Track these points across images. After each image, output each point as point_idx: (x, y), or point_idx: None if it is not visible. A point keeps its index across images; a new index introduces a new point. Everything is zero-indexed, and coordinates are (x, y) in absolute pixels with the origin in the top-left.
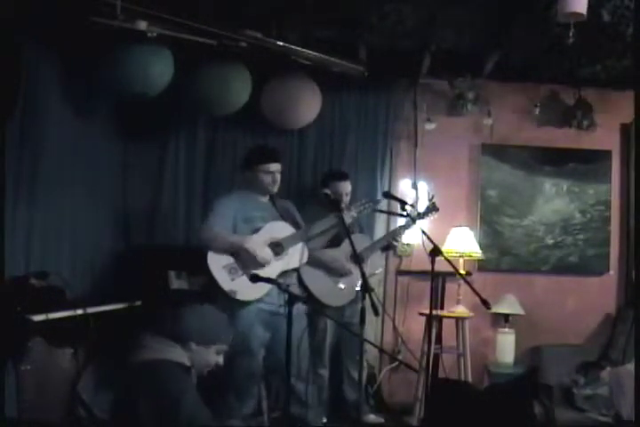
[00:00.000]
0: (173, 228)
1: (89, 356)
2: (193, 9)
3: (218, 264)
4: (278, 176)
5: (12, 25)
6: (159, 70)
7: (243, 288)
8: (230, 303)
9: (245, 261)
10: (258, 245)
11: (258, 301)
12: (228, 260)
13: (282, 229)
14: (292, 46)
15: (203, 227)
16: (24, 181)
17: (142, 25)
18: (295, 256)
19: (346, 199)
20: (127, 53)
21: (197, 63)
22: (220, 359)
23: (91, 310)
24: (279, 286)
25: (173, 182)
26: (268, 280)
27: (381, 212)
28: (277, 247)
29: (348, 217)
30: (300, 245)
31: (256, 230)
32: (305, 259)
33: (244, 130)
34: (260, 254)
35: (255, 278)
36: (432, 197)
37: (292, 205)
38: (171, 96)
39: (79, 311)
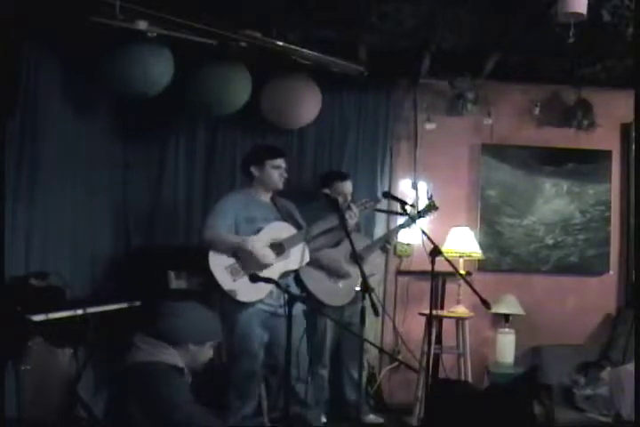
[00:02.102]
0: (173, 228)
1: (89, 356)
2: (193, 9)
3: (219, 265)
4: (285, 172)
5: (12, 25)
6: (159, 70)
7: (244, 289)
8: (231, 304)
9: (247, 262)
10: (259, 245)
11: (258, 301)
12: (229, 260)
13: (283, 230)
14: (292, 46)
15: (204, 227)
16: (24, 181)
17: (142, 25)
18: (296, 257)
19: (348, 199)
20: (127, 53)
21: (197, 63)
22: (212, 353)
23: (91, 310)
24: (279, 286)
25: (173, 182)
26: (267, 280)
27: (381, 211)
28: (279, 248)
29: (352, 216)
30: (301, 246)
31: (257, 231)
32: (306, 260)
33: (243, 130)
34: (262, 255)
35: (254, 278)
36: (431, 196)
37: (292, 205)
38: (171, 96)
39: (79, 311)
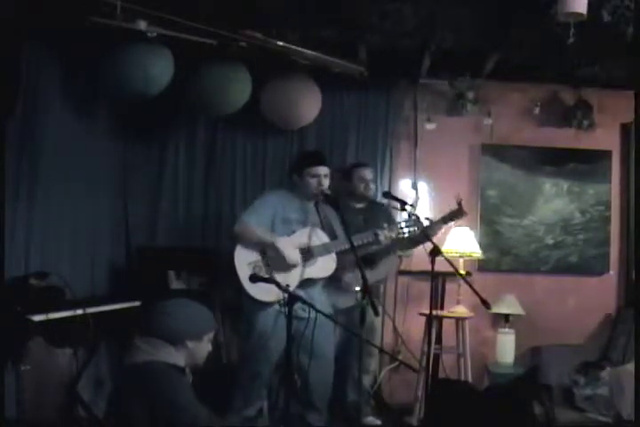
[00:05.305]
0: (173, 227)
1: (89, 356)
2: (193, 9)
3: (243, 261)
4: (325, 180)
5: (12, 25)
6: (159, 70)
7: (262, 289)
8: (250, 304)
9: (272, 261)
10: (289, 246)
11: (277, 303)
12: (255, 257)
13: (316, 236)
14: (292, 46)
15: (237, 221)
16: (24, 181)
17: (142, 25)
18: (323, 266)
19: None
20: (127, 53)
21: (197, 63)
22: (210, 347)
23: (91, 310)
24: (279, 286)
25: (173, 182)
26: (266, 280)
27: (423, 233)
28: (307, 253)
29: (386, 238)
30: (330, 256)
31: (292, 233)
32: (330, 271)
33: (243, 130)
34: (289, 257)
35: (254, 278)
36: (460, 201)
37: (334, 214)
38: (171, 96)
39: (79, 311)
